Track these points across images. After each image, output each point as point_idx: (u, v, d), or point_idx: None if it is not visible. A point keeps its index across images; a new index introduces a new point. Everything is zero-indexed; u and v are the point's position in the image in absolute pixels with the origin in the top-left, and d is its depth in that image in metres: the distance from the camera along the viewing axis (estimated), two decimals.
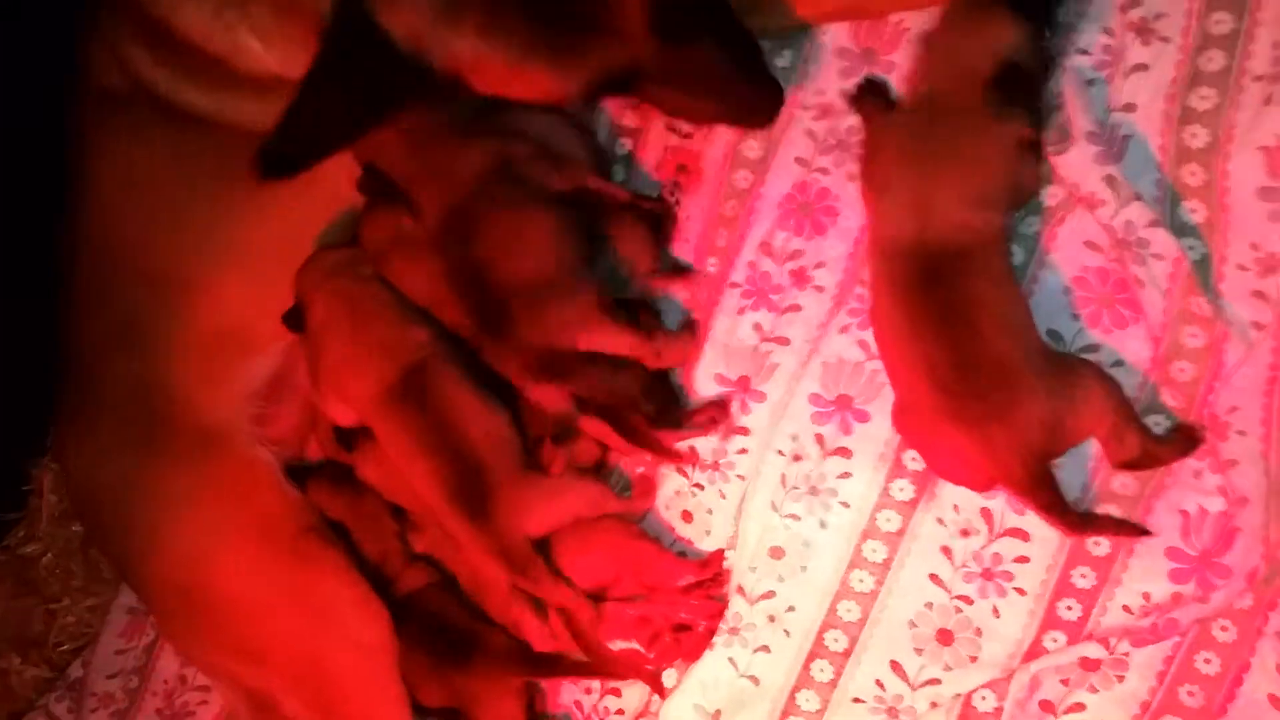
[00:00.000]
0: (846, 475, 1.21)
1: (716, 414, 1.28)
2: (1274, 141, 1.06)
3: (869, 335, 1.22)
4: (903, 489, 1.19)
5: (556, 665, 1.28)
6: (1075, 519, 1.08)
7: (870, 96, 1.23)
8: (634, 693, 1.31)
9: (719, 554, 1.28)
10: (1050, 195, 1.17)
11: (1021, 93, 1.12)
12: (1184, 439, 1.09)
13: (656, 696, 1.29)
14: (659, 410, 1.29)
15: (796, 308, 1.27)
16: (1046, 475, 1.07)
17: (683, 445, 1.29)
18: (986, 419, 1.05)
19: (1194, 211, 1.11)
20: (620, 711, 1.32)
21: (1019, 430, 1.04)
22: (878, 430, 1.21)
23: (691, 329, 1.30)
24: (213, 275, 1.37)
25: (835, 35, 1.27)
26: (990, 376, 1.05)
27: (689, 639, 1.27)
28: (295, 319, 1.36)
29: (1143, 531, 1.10)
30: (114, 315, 1.40)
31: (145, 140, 1.37)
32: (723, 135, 1.33)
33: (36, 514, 1.67)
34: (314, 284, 1.36)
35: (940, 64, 1.15)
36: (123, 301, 1.39)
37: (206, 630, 1.39)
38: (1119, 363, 1.12)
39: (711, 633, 1.26)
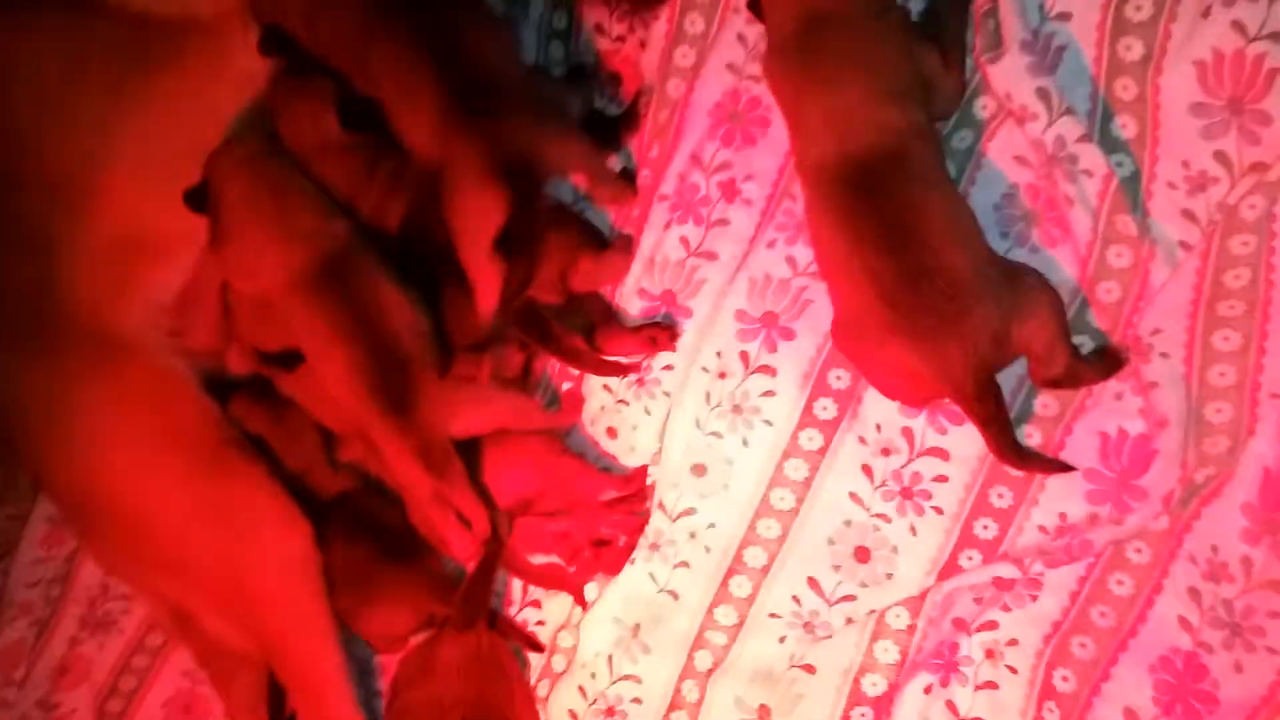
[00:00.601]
0: (770, 393, 1.20)
1: (658, 335, 1.26)
2: (1209, 56, 1.03)
3: (797, 251, 1.20)
4: (825, 408, 1.18)
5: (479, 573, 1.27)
6: (1011, 441, 1.06)
7: None
8: (555, 605, 1.31)
9: (642, 469, 1.27)
10: (983, 107, 1.14)
11: None
12: (1108, 361, 1.08)
13: (578, 609, 1.28)
14: (595, 324, 1.27)
15: (725, 222, 1.24)
16: (994, 387, 1.04)
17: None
18: (937, 331, 1.02)
19: (1125, 127, 1.08)
20: (541, 623, 1.32)
21: (969, 341, 1.02)
22: (803, 348, 1.19)
23: (626, 246, 1.28)
24: (111, 176, 1.31)
25: None
26: (940, 287, 1.02)
27: (609, 553, 1.26)
28: (198, 198, 1.29)
29: (1067, 468, 1.09)
30: (6, 218, 1.33)
31: (44, 32, 1.30)
32: (656, 42, 1.28)
33: None
34: (230, 165, 1.30)
35: None
36: (15, 204, 1.33)
37: (123, 543, 1.36)
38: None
39: (631, 548, 1.25)
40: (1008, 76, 1.10)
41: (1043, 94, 1.08)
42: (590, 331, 1.28)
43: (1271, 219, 1.01)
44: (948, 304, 1.02)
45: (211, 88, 1.31)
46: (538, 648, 1.31)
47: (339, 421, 1.33)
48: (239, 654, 1.35)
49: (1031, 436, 1.11)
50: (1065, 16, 1.09)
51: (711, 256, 1.24)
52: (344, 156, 1.30)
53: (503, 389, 1.26)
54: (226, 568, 1.30)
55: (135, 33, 1.28)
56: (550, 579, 1.30)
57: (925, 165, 1.06)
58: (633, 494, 1.27)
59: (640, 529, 1.26)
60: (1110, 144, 1.08)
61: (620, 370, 1.27)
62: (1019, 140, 1.11)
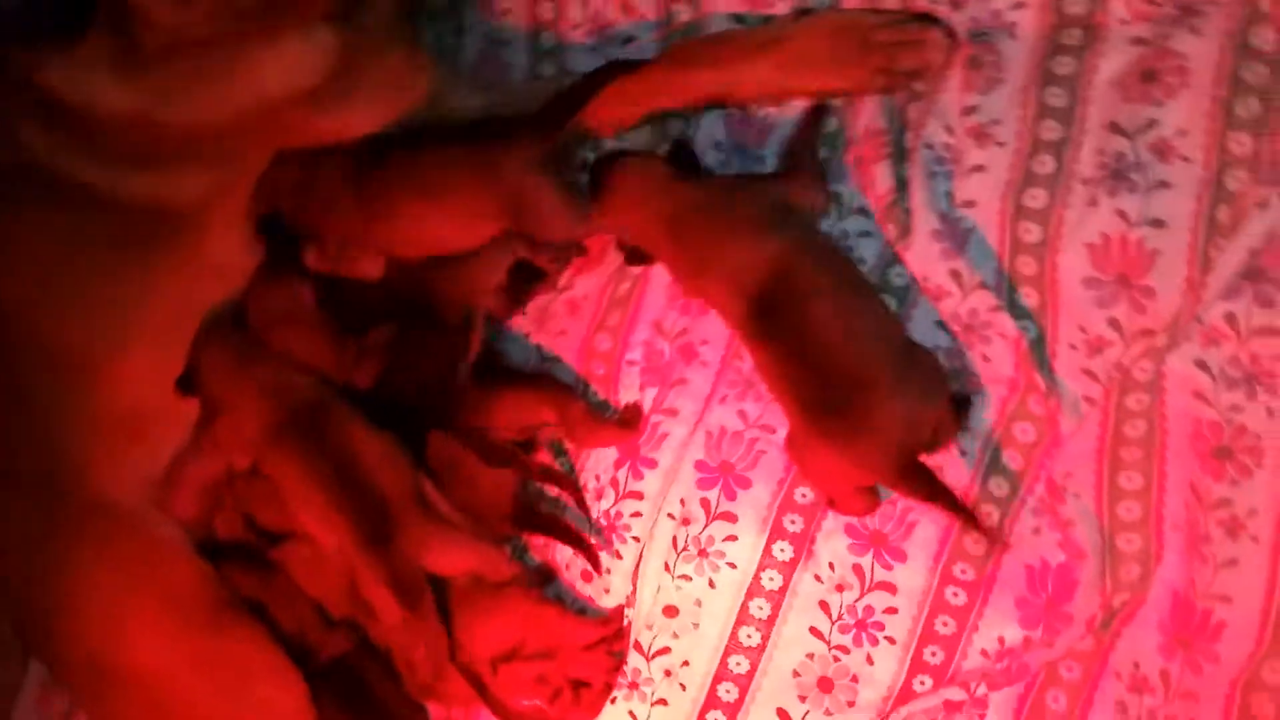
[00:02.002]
0: (732, 538, 1.31)
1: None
2: (1098, 239, 1.19)
3: (748, 405, 1.32)
4: (783, 549, 1.29)
5: None
6: (962, 509, 1.17)
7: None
8: None
9: (619, 611, 1.37)
10: (899, 274, 1.27)
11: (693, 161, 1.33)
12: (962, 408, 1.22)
13: None
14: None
15: (684, 381, 1.36)
16: (921, 469, 1.15)
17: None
18: (850, 429, 1.13)
19: (1029, 297, 1.23)
20: None
21: (881, 433, 1.13)
22: (759, 495, 1.31)
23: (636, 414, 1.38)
24: (108, 355, 1.38)
25: (710, 129, 1.38)
26: (844, 386, 1.14)
27: (588, 695, 1.34)
28: (186, 383, 1.38)
29: (1003, 542, 1.21)
30: (8, 392, 1.40)
31: (37, 217, 1.37)
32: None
33: None
34: (202, 341, 1.39)
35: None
36: (16, 379, 1.39)
37: (121, 703, 1.40)
38: (964, 429, 1.23)
39: (610, 688, 1.34)
40: (921, 260, 1.24)
41: (955, 274, 1.23)
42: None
43: (1161, 377, 1.16)
44: (854, 401, 1.13)
45: (190, 277, 1.39)
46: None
47: (325, 584, 1.41)
48: None
49: (965, 572, 1.23)
50: (971, 204, 1.25)
51: (673, 413, 1.36)
52: (315, 332, 1.40)
53: (475, 536, 1.34)
54: None
55: (123, 218, 1.35)
56: None
57: (808, 277, 1.18)
58: (611, 635, 1.36)
59: (617, 669, 1.35)
60: (1017, 311, 1.23)
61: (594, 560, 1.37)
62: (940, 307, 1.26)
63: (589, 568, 1.37)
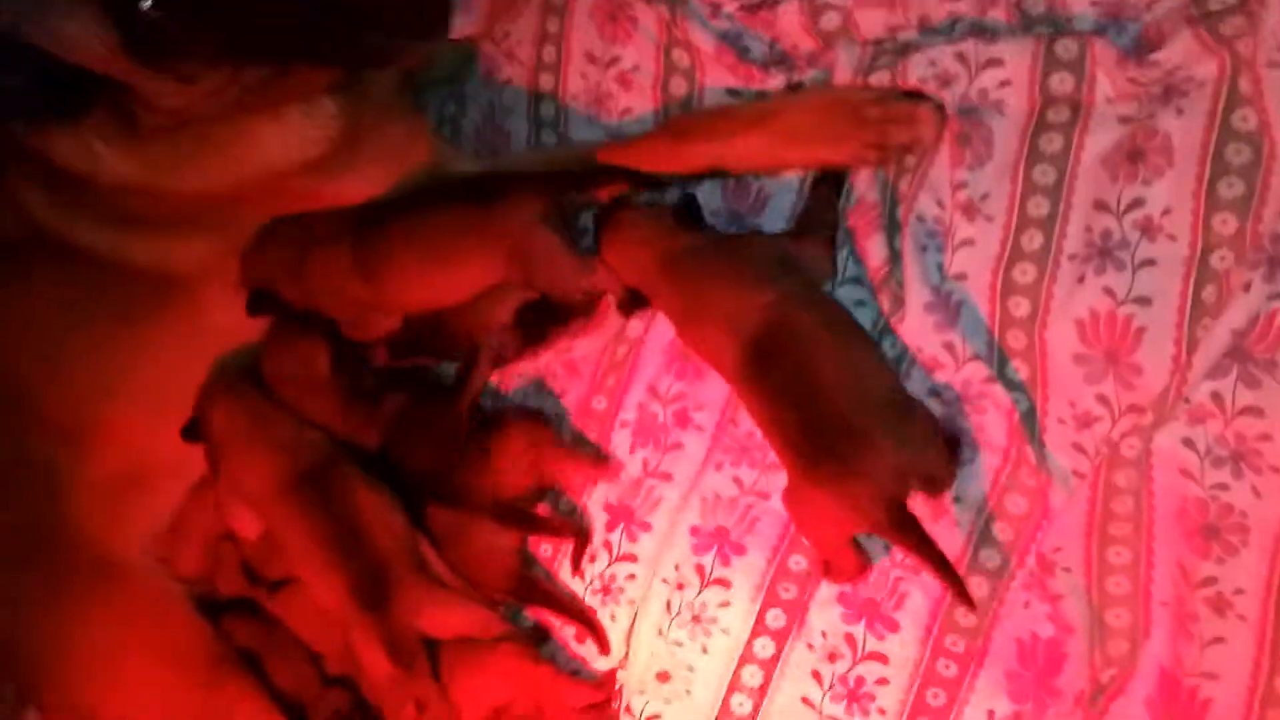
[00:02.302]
0: (726, 604, 1.32)
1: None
2: (1086, 315, 1.20)
3: (742, 472, 1.34)
4: (776, 617, 1.30)
5: None
6: (945, 564, 1.16)
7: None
8: None
9: (612, 674, 1.38)
10: (890, 345, 1.29)
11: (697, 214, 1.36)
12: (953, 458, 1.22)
13: None
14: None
15: (679, 445, 1.38)
16: (910, 518, 1.16)
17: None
18: (842, 474, 1.14)
19: (1019, 370, 1.24)
20: None
21: (872, 478, 1.14)
22: (753, 562, 1.32)
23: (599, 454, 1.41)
24: (107, 415, 1.42)
25: (708, 198, 1.40)
26: (837, 430, 1.15)
27: None
28: (193, 432, 1.42)
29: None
30: (9, 457, 1.43)
31: (40, 284, 1.41)
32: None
33: None
34: (212, 394, 1.43)
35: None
36: (21, 440, 1.43)
37: None
38: (958, 498, 1.25)
39: None
40: (915, 333, 1.25)
41: (949, 346, 1.24)
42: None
43: (1149, 454, 1.16)
44: (846, 447, 1.14)
45: (191, 338, 1.42)
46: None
47: (323, 636, 1.43)
48: None
49: (956, 645, 1.24)
50: (962, 277, 1.26)
51: (667, 477, 1.38)
52: (328, 394, 1.43)
53: (470, 600, 1.35)
54: None
55: (121, 282, 1.39)
56: None
57: (805, 326, 1.20)
58: (602, 701, 1.37)
59: None
60: (1008, 384, 1.23)
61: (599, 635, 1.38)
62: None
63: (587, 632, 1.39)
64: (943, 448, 1.19)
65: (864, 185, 1.32)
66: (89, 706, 1.42)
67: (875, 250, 1.30)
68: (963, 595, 1.18)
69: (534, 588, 1.38)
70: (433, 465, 1.39)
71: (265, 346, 1.45)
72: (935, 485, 1.20)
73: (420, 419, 1.41)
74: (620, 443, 1.41)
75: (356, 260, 1.35)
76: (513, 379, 1.49)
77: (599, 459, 1.40)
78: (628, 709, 1.35)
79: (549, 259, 1.33)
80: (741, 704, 1.31)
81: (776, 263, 1.27)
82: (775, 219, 1.37)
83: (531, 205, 1.33)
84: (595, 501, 1.41)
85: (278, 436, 1.39)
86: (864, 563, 1.25)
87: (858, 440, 1.14)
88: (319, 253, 1.37)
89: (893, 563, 1.27)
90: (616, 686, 1.37)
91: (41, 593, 1.42)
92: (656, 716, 1.34)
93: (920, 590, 1.25)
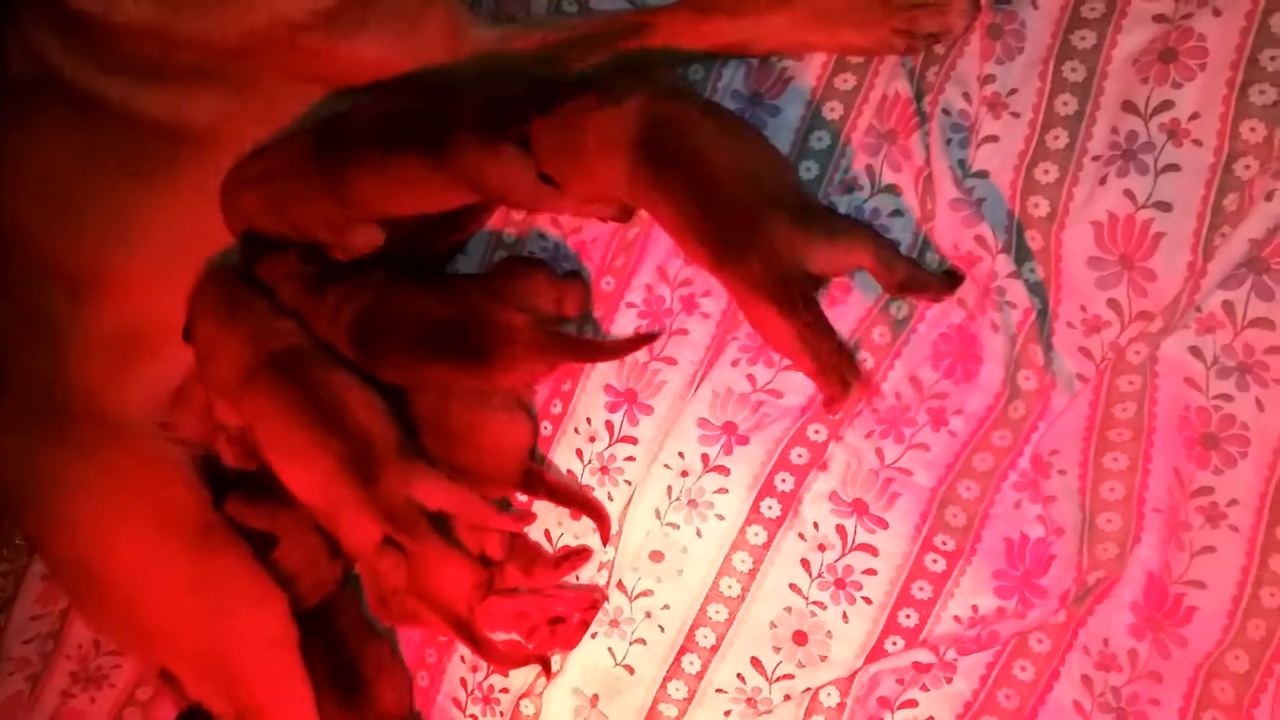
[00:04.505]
0: (723, 491, 1.33)
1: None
2: (1105, 218, 1.18)
3: (758, 370, 1.34)
4: (770, 507, 1.31)
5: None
6: (831, 351, 1.20)
7: None
8: (517, 673, 1.43)
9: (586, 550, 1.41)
10: (927, 261, 1.27)
11: None
12: (951, 277, 1.24)
13: (539, 679, 1.40)
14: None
15: (684, 331, 1.38)
16: (806, 301, 1.19)
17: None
18: (737, 251, 1.18)
19: (1034, 271, 1.23)
20: (505, 690, 1.44)
21: (762, 253, 1.17)
22: (755, 453, 1.33)
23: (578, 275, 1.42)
24: (118, 274, 1.41)
25: (731, 78, 1.38)
26: (732, 217, 1.18)
27: (564, 630, 1.39)
28: (188, 334, 1.43)
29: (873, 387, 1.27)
30: (19, 306, 1.44)
31: (52, 130, 1.39)
32: None
33: None
34: (198, 287, 1.43)
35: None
36: (27, 293, 1.43)
37: (111, 610, 1.46)
38: (959, 410, 1.25)
39: (585, 624, 1.38)
40: (948, 231, 1.24)
41: (980, 240, 1.22)
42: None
43: (1154, 362, 1.15)
44: (740, 227, 1.17)
45: (200, 199, 1.40)
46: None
47: None
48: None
49: (946, 544, 1.25)
50: (984, 174, 1.24)
51: (671, 362, 1.38)
52: (299, 283, 1.42)
53: (456, 482, 1.35)
54: (207, 639, 1.39)
55: (136, 134, 1.37)
56: (512, 657, 1.40)
57: (683, 114, 1.23)
58: (576, 555, 1.40)
59: (593, 606, 1.39)
60: (1024, 284, 1.22)
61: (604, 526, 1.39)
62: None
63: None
64: (842, 232, 1.21)
65: (897, 81, 1.29)
66: (77, 554, 1.44)
67: (916, 150, 1.28)
68: (841, 382, 1.21)
69: (540, 481, 1.39)
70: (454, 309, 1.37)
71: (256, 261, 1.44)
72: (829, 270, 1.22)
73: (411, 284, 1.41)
74: (625, 325, 1.40)
75: (324, 187, 1.35)
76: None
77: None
78: (619, 585, 1.37)
79: (508, 186, 1.32)
80: (730, 586, 1.33)
81: (639, 82, 1.28)
82: (795, 102, 1.34)
83: (477, 143, 1.31)
84: (595, 382, 1.41)
85: (249, 325, 1.39)
86: (847, 383, 1.24)
87: (749, 220, 1.18)
88: (290, 186, 1.37)
89: (883, 464, 1.27)
90: (608, 558, 1.39)
91: (46, 445, 1.44)
92: (647, 593, 1.36)
93: (911, 493, 1.26)
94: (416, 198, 1.35)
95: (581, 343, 1.38)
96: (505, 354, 1.31)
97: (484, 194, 1.34)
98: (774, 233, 1.16)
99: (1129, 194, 1.17)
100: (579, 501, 1.39)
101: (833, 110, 1.33)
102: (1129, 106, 1.18)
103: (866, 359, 1.29)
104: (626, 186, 1.26)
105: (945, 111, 1.27)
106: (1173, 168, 1.16)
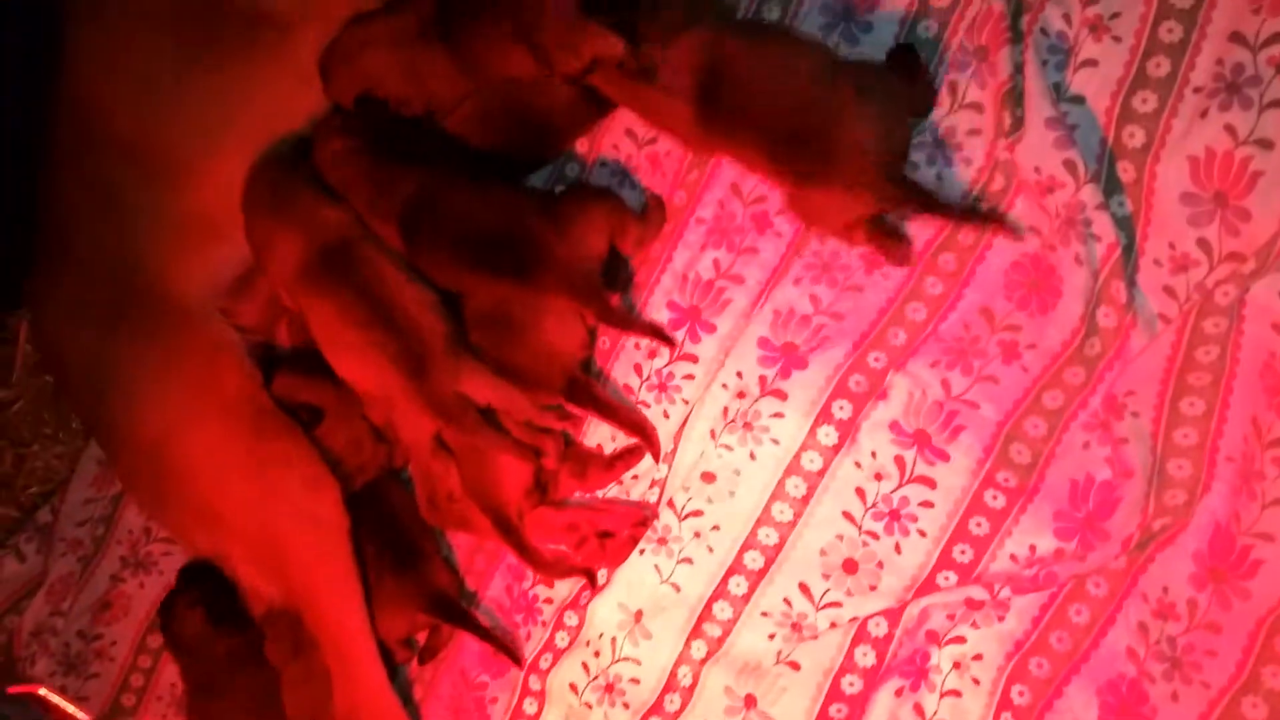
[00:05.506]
0: (779, 415, 1.31)
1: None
2: (1202, 153, 1.14)
3: (820, 290, 1.31)
4: (828, 434, 1.29)
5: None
6: (946, 205, 1.22)
7: None
8: (562, 584, 1.43)
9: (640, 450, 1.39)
10: (994, 182, 1.24)
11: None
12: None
13: (584, 591, 1.40)
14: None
15: (754, 250, 1.35)
16: (907, 180, 1.21)
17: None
18: (827, 160, 1.18)
19: (1122, 204, 1.19)
20: (549, 600, 1.44)
21: (859, 149, 1.16)
22: (814, 378, 1.30)
23: (659, 205, 1.41)
24: (198, 155, 1.41)
25: None
26: (807, 125, 1.18)
27: (613, 545, 1.38)
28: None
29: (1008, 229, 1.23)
30: (91, 181, 1.44)
31: (130, 13, 1.39)
32: None
33: (10, 362, 1.76)
34: (250, 176, 1.42)
35: None
36: (100, 169, 1.43)
37: (166, 495, 1.47)
38: (1033, 345, 1.21)
39: (635, 539, 1.37)
40: (1034, 152, 1.20)
41: (1069, 165, 1.18)
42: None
43: (1241, 305, 1.11)
44: (820, 135, 1.17)
45: (277, 80, 1.40)
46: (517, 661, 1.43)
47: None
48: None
49: (1008, 481, 1.22)
50: (1078, 100, 1.20)
51: (739, 280, 1.35)
52: (352, 160, 1.41)
53: (504, 379, 1.34)
54: (259, 522, 1.41)
55: (218, 21, 1.37)
56: (558, 567, 1.39)
57: (733, 47, 1.23)
58: (630, 454, 1.40)
59: (643, 521, 1.38)
60: (1112, 217, 1.18)
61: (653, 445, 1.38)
62: (1032, 212, 1.23)
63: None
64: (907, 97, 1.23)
65: None
66: (132, 435, 1.45)
67: (1003, 64, 1.23)
68: (968, 219, 1.23)
69: (588, 392, 1.37)
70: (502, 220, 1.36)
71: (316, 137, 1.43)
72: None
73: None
74: (693, 241, 1.38)
75: (447, 53, 1.36)
76: (594, 167, 1.46)
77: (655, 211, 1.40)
78: (669, 504, 1.36)
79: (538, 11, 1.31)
80: (782, 511, 1.31)
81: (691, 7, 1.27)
82: (889, 20, 1.30)
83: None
84: (658, 299, 1.39)
85: (297, 214, 1.38)
86: (905, 248, 1.26)
87: (829, 124, 1.17)
88: (423, 54, 1.37)
89: (948, 396, 1.24)
90: (661, 476, 1.38)
91: (107, 327, 1.44)
92: (698, 514, 1.34)
93: (976, 426, 1.23)
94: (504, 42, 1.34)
95: (606, 303, 1.35)
96: (541, 279, 1.31)
97: (530, 33, 1.33)
98: (857, 133, 1.16)
99: (1229, 129, 1.13)
100: (622, 417, 1.37)
101: (928, 29, 1.29)
102: (1237, 37, 1.13)
103: (936, 285, 1.27)
104: (689, 129, 1.27)
105: (1043, 31, 1.22)
106: (1278, 104, 1.10)
